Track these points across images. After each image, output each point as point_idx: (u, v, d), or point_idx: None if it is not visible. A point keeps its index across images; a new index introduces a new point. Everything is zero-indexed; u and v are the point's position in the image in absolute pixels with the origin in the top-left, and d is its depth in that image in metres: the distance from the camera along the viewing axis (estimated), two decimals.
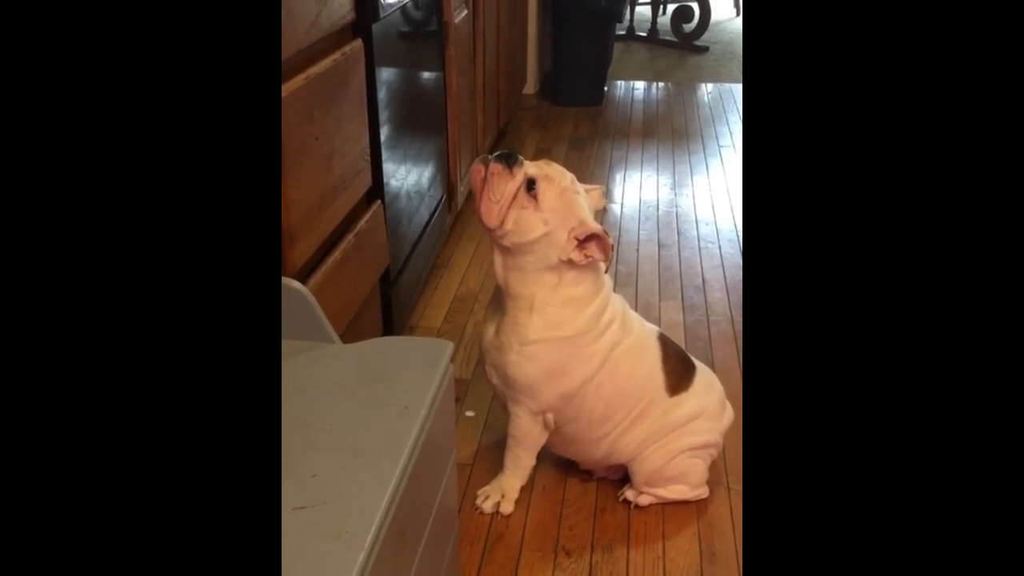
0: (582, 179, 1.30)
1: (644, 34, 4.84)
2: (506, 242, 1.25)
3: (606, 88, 3.82)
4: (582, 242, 1.25)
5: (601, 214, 1.29)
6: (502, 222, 1.23)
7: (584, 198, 1.28)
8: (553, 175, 1.25)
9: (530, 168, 1.24)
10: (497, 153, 1.26)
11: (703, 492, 1.43)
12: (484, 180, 1.24)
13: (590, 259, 1.26)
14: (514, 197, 1.23)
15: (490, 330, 1.35)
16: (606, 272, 1.31)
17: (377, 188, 1.60)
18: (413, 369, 0.97)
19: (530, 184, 1.23)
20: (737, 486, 1.47)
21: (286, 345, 1.01)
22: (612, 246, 1.26)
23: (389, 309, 1.74)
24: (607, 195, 2.66)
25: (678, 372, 1.38)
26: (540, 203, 1.23)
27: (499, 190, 1.23)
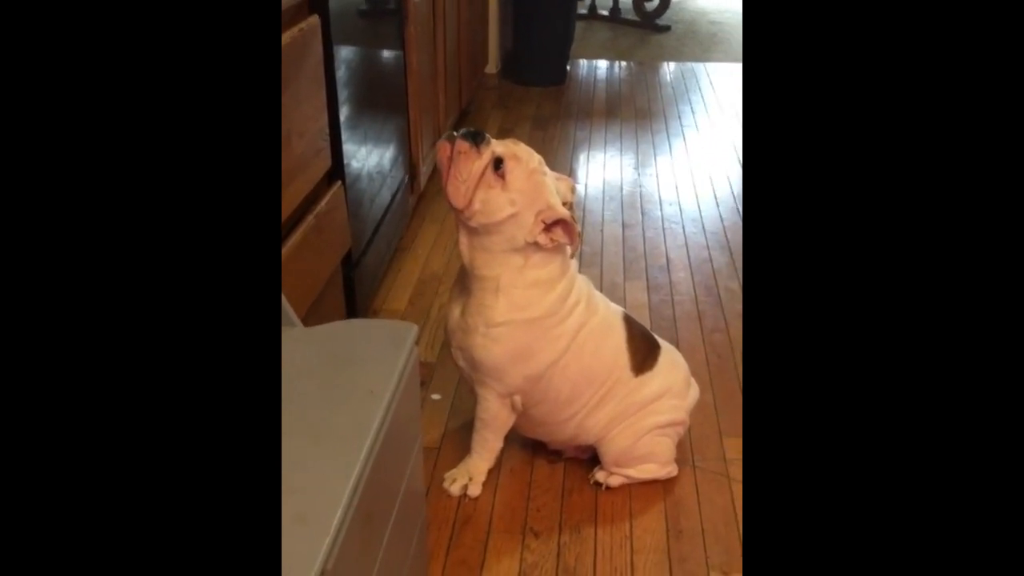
0: (546, 159, 1.29)
1: (606, 13, 4.83)
2: (473, 223, 1.24)
3: (568, 67, 3.80)
4: (549, 226, 1.24)
5: (571, 206, 1.28)
6: (469, 202, 1.21)
7: (552, 181, 1.26)
8: (521, 155, 1.23)
9: (497, 147, 1.22)
10: (463, 131, 1.23)
11: (672, 470, 1.44)
12: (450, 158, 1.22)
13: (555, 243, 1.25)
14: (481, 176, 1.21)
15: (455, 312, 1.33)
16: (572, 258, 1.30)
17: (337, 168, 1.57)
18: (377, 352, 0.95)
19: (497, 163, 1.21)
20: (703, 464, 1.48)
21: None
22: (579, 232, 1.25)
23: (352, 292, 1.71)
24: (571, 175, 2.65)
25: (643, 352, 1.38)
26: (508, 183, 1.21)
27: (466, 169, 1.21)
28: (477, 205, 1.21)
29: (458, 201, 1.22)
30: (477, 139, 1.21)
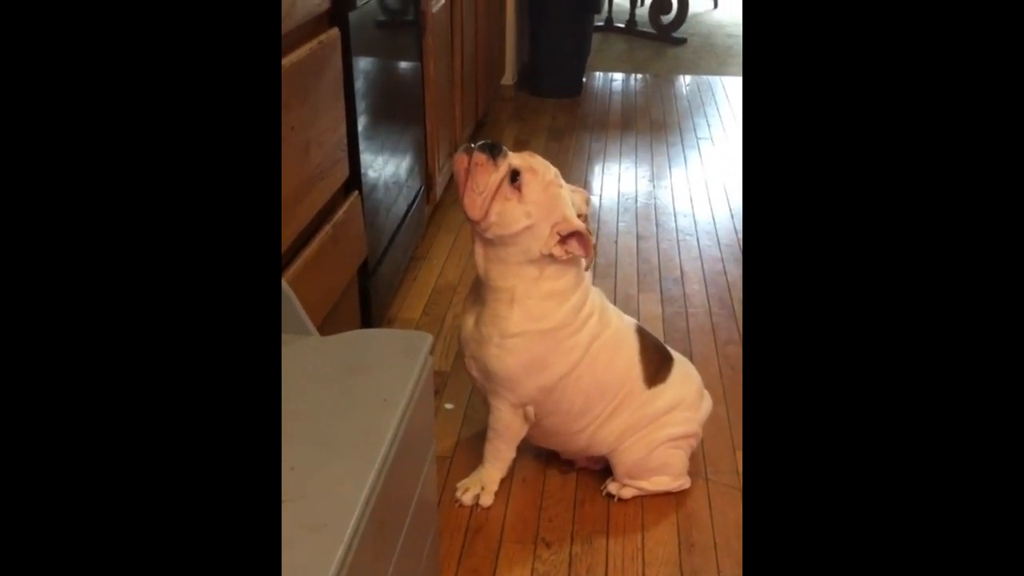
0: (561, 171, 1.30)
1: (622, 25, 4.84)
2: (489, 234, 1.24)
3: (584, 79, 3.81)
4: (564, 238, 1.24)
5: (586, 218, 1.29)
6: (486, 213, 1.22)
7: (568, 194, 1.27)
8: (538, 167, 1.24)
9: (514, 159, 1.23)
10: (481, 143, 1.24)
11: (685, 483, 1.43)
12: (467, 170, 1.23)
13: (571, 255, 1.25)
14: (498, 188, 1.22)
15: (469, 322, 1.34)
16: (587, 270, 1.31)
17: (354, 179, 1.59)
18: (392, 362, 0.96)
19: (514, 175, 1.22)
20: (716, 477, 1.48)
21: None
22: (594, 245, 1.26)
23: (367, 301, 1.73)
24: (586, 187, 2.66)
25: (656, 364, 1.39)
26: (524, 195, 1.22)
27: (483, 181, 1.22)
28: (493, 217, 1.22)
29: (474, 213, 1.23)
30: (494, 151, 1.22)
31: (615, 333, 1.35)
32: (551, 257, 1.25)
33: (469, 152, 1.23)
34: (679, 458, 1.41)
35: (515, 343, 1.28)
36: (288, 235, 1.26)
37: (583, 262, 1.29)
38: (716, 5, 5.60)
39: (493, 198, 1.22)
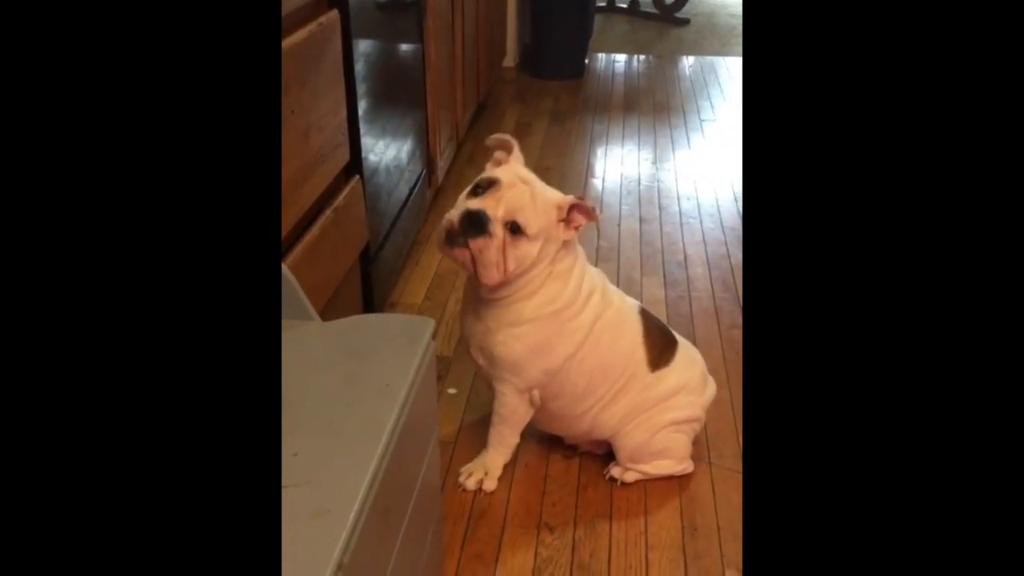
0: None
1: (625, 6, 4.81)
2: (516, 275, 1.25)
3: (587, 61, 3.78)
4: (565, 220, 1.26)
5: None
6: (505, 270, 1.23)
7: (536, 180, 1.26)
8: (518, 203, 1.21)
9: (499, 212, 1.20)
10: (463, 221, 1.20)
11: (688, 466, 1.43)
12: (473, 258, 1.21)
13: (580, 227, 1.27)
14: (504, 247, 1.21)
15: (472, 314, 1.34)
16: (596, 223, 1.29)
17: (355, 163, 1.58)
18: (394, 347, 0.96)
19: (513, 225, 1.21)
20: (719, 461, 1.47)
21: None
22: (592, 208, 1.26)
23: (369, 286, 1.72)
24: (588, 170, 2.65)
25: (659, 347, 1.38)
26: (527, 231, 1.21)
27: (490, 254, 1.21)
28: (512, 265, 1.23)
29: (498, 279, 1.23)
30: (483, 226, 1.20)
31: (617, 313, 1.35)
32: (565, 242, 1.27)
33: (463, 243, 1.20)
34: (682, 442, 1.41)
35: (525, 330, 1.29)
36: (289, 220, 1.26)
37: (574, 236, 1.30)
38: None
39: (505, 256, 1.22)
